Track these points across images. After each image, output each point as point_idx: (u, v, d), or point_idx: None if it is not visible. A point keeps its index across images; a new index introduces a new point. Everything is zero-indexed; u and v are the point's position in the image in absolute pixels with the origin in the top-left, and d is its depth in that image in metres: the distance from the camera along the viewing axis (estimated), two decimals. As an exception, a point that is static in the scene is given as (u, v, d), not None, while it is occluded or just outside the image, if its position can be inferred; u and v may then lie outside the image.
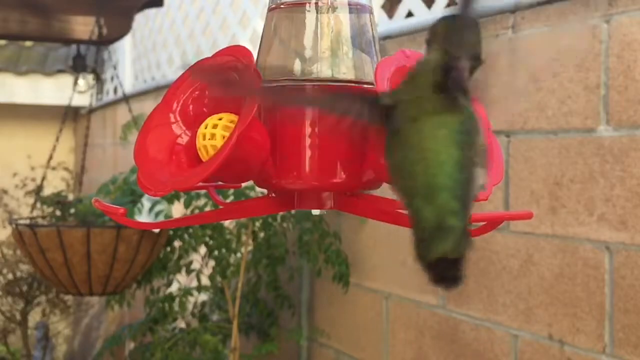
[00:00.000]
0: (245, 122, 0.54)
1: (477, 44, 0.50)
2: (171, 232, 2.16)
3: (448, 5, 1.77)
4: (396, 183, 0.48)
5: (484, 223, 0.58)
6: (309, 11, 0.63)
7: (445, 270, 0.43)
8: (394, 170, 0.48)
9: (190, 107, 0.62)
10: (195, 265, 2.22)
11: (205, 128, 0.59)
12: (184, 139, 0.62)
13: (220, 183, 0.69)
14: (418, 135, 0.47)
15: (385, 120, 0.50)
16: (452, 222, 0.43)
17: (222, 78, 0.57)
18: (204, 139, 0.59)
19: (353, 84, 0.62)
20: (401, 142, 0.47)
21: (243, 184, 0.70)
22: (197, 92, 0.62)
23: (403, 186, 0.47)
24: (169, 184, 0.58)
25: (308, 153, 0.60)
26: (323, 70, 0.62)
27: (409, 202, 0.46)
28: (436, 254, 0.43)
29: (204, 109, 0.62)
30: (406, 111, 0.48)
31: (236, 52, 0.60)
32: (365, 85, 0.62)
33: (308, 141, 0.60)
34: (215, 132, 0.59)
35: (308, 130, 0.60)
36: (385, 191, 0.65)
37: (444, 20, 0.52)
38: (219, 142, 0.58)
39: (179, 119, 0.62)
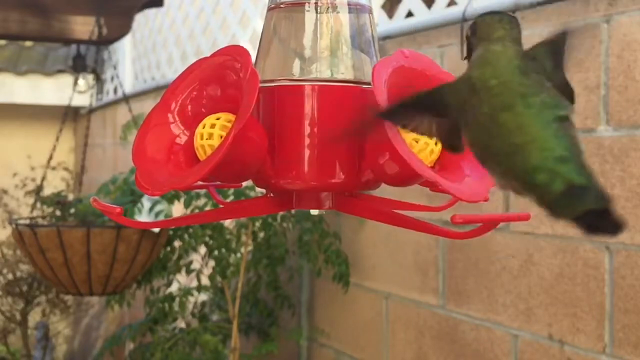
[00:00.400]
0: (242, 122, 0.54)
1: (520, 38, 0.52)
2: (171, 232, 2.15)
3: (448, 5, 1.77)
4: (501, 170, 0.48)
5: (480, 224, 0.58)
6: (308, 11, 0.63)
7: (596, 221, 0.44)
8: (494, 158, 0.49)
9: (189, 107, 0.62)
10: (195, 265, 2.22)
11: (203, 128, 0.59)
12: (182, 139, 0.61)
13: (219, 183, 0.69)
14: (519, 120, 0.47)
15: (455, 115, 0.51)
16: (582, 181, 0.45)
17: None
18: (202, 138, 0.59)
19: (354, 84, 0.62)
20: (497, 130, 0.48)
21: (243, 184, 0.70)
22: (195, 92, 0.62)
23: (513, 171, 0.47)
24: (167, 184, 0.58)
25: (306, 153, 0.60)
26: (322, 70, 0.62)
27: (530, 181, 0.46)
28: (578, 210, 0.44)
29: (202, 109, 0.61)
30: (492, 99, 0.49)
31: (233, 51, 0.60)
32: (364, 86, 0.62)
33: (307, 141, 0.60)
34: (212, 132, 0.59)
35: (306, 129, 0.60)
36: (384, 191, 0.65)
37: (488, 15, 0.53)
38: (216, 142, 0.58)
39: (177, 118, 0.62)
